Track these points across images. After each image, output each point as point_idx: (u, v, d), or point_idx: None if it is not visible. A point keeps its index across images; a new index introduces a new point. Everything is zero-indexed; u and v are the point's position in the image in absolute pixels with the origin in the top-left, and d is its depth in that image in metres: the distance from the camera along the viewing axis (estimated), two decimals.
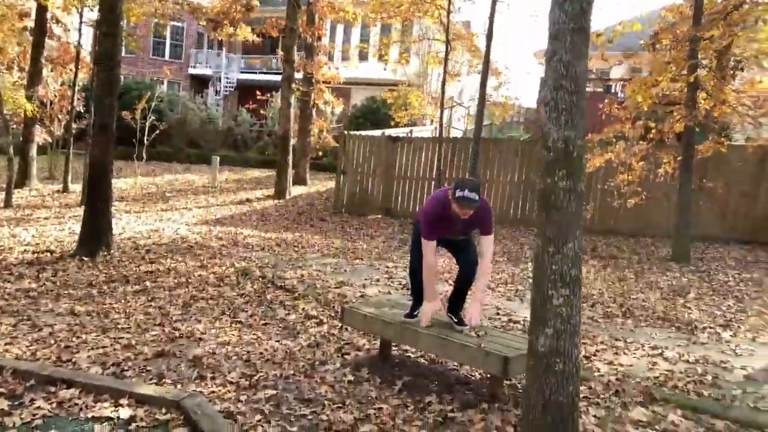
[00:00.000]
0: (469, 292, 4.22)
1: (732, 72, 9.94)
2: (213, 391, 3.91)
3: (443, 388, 4.04)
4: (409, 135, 14.52)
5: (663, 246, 10.73)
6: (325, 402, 3.79)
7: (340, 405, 3.76)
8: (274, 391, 3.93)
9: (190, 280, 6.93)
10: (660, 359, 4.72)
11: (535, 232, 2.51)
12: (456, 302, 4.17)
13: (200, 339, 4.98)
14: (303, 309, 5.97)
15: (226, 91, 28.58)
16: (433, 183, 13.21)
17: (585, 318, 5.97)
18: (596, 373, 4.37)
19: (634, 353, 4.86)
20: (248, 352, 4.70)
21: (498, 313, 5.94)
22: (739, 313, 6.34)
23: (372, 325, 4.37)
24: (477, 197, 3.70)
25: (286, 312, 5.89)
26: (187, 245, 9.17)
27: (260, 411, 3.64)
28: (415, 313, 4.27)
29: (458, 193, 3.72)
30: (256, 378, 4.15)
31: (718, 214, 11.31)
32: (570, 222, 2.41)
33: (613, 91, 24.18)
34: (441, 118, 13.15)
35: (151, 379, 4.06)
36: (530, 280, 7.63)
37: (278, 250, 9.35)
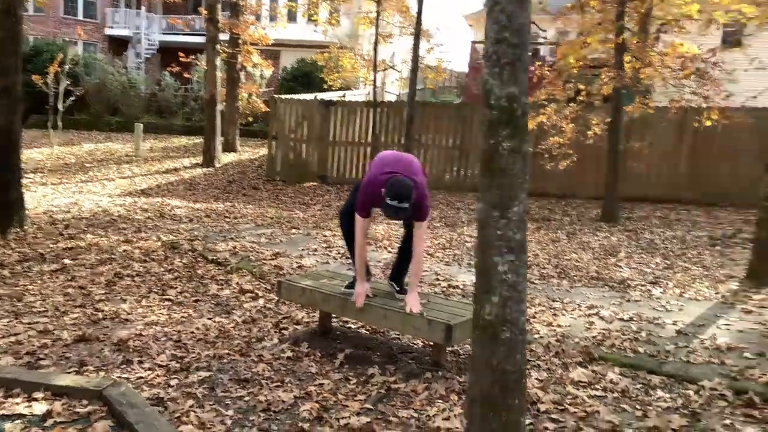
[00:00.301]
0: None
1: (656, 35, 10.16)
2: (140, 377, 3.66)
3: (386, 359, 3.94)
4: (343, 99, 14.18)
5: (592, 207, 11.01)
6: (263, 381, 3.62)
7: (278, 383, 3.60)
8: (208, 373, 3.72)
9: (113, 257, 6.52)
10: (596, 318, 4.80)
11: (478, 197, 2.38)
12: (399, 270, 4.05)
13: (126, 320, 4.68)
14: (237, 283, 5.72)
15: (147, 53, 27.14)
16: (369, 148, 13.00)
17: None
18: (536, 336, 4.38)
19: (572, 314, 4.91)
20: (179, 331, 4.44)
21: (438, 279, 5.89)
22: (666, 270, 6.55)
23: (311, 299, 4.20)
24: (406, 205, 3.54)
25: (219, 287, 5.63)
26: (109, 219, 8.65)
27: (192, 395, 3.42)
28: (353, 283, 4.13)
29: (387, 201, 3.55)
30: (187, 360, 3.92)
31: (644, 174, 11.68)
32: (515, 185, 2.29)
33: (541, 54, 24.56)
34: (374, 80, 12.88)
35: (70, 368, 3.75)
36: (467, 245, 7.68)
37: (208, 221, 8.97)
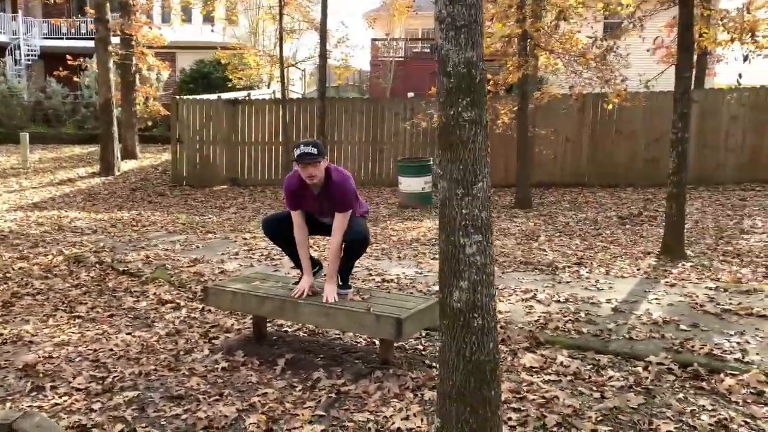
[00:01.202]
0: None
1: (555, 23, 10.47)
2: (56, 404, 3.24)
3: (330, 361, 3.72)
4: (248, 98, 13.70)
5: (504, 194, 11.23)
6: (199, 396, 3.30)
7: (217, 397, 3.29)
8: (135, 393, 3.35)
9: (8, 275, 5.85)
10: (534, 302, 4.80)
11: (440, 175, 2.23)
12: (341, 266, 3.84)
13: (31, 342, 4.17)
14: (154, 294, 5.28)
15: (27, 60, 25.09)
16: (281, 148, 12.62)
17: None
18: None
19: (509, 299, 4.90)
20: (95, 350, 4.00)
21: (370, 274, 5.72)
22: (588, 251, 6.73)
23: (244, 303, 3.90)
24: (314, 150, 3.58)
25: (135, 299, 5.18)
26: None
27: (121, 419, 3.06)
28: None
29: (295, 153, 3.60)
30: (109, 380, 3.52)
31: (550, 160, 12.08)
32: (478, 158, 2.16)
33: None
34: (282, 75, 12.50)
35: None
36: (393, 239, 7.57)
37: (114, 231, 8.33)
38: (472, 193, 2.16)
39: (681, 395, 3.19)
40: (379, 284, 5.39)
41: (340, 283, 3.84)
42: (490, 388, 2.24)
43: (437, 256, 6.29)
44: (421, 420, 2.97)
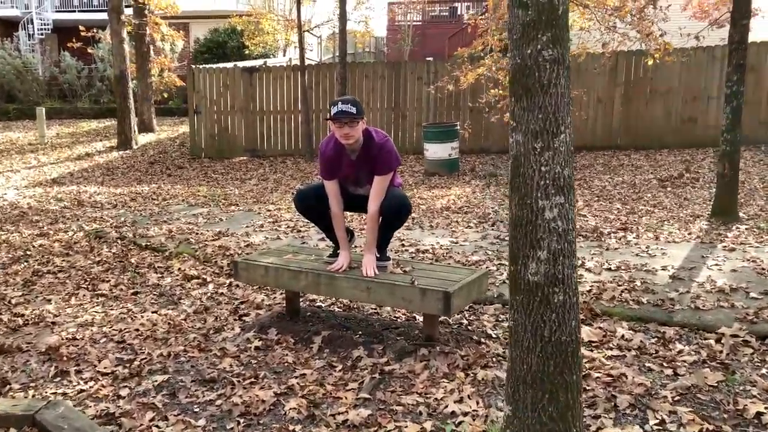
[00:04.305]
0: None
1: None
2: (82, 390, 3.01)
3: (369, 338, 3.45)
4: (265, 66, 13.31)
5: None
6: (234, 379, 3.05)
7: (252, 380, 3.04)
8: (165, 376, 3.11)
9: (29, 252, 5.66)
10: (583, 271, 4.47)
11: (512, 127, 1.89)
12: (379, 237, 3.54)
13: (53, 323, 3.96)
14: (179, 269, 5.04)
15: (40, 34, 24.79)
16: (300, 116, 12.26)
17: (492, 238, 5.64)
18: None
19: None
20: (120, 330, 3.78)
21: (403, 245, 5.42)
22: (631, 215, 6.36)
23: (277, 278, 3.62)
24: (353, 109, 3.25)
25: (159, 275, 4.94)
26: (18, 212, 7.64)
27: (151, 406, 2.82)
28: (338, 251, 3.61)
29: (332, 110, 3.26)
30: (136, 363, 3.29)
31: (582, 121, 11.60)
32: (560, 105, 1.83)
33: (458, 13, 24.28)
34: (300, 40, 12.06)
35: None
36: (422, 207, 7.24)
37: (135, 205, 8.11)
38: (552, 146, 1.83)
39: (764, 370, 2.87)
40: (414, 255, 5.10)
41: (377, 255, 3.54)
42: (572, 372, 1.94)
43: (471, 224, 5.98)
44: (477, 403, 2.70)
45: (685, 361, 2.99)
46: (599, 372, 2.90)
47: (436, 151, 9.89)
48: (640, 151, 11.06)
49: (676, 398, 2.64)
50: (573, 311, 1.92)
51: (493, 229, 5.97)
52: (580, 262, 4.66)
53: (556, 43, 1.78)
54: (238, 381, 3.03)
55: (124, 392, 2.96)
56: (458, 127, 10.05)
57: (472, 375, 2.96)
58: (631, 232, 5.56)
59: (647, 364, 2.97)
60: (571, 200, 1.89)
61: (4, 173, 11.71)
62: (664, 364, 2.97)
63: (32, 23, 24.46)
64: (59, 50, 22.76)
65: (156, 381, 3.06)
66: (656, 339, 3.29)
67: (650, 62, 8.62)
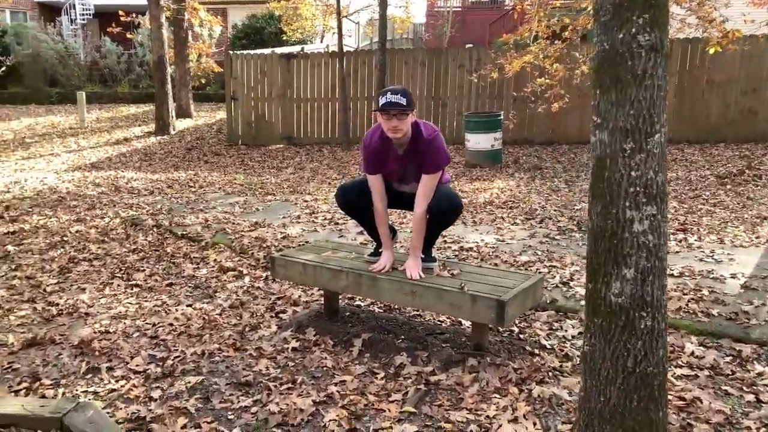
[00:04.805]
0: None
1: None
2: (112, 390, 2.88)
3: (413, 344, 3.24)
4: (302, 52, 13.14)
5: (581, 152, 10.44)
6: (270, 384, 2.88)
7: (290, 385, 2.86)
8: (199, 378, 2.96)
9: (65, 239, 5.60)
10: None
11: (595, 124, 1.64)
12: (426, 237, 3.31)
13: (87, 314, 3.85)
14: (215, 260, 4.91)
15: (82, 19, 25.10)
16: (337, 104, 12.06)
17: (541, 236, 5.36)
18: (582, 303, 3.73)
19: None
20: (154, 324, 3.65)
21: (445, 242, 5.19)
22: (689, 215, 5.98)
23: (316, 277, 3.43)
24: (404, 100, 3.03)
25: (195, 266, 4.82)
26: (57, 197, 7.63)
27: (183, 411, 2.67)
28: (380, 250, 3.41)
29: (380, 101, 3.04)
30: (170, 361, 3.14)
31: None
32: (656, 99, 1.56)
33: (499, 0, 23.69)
34: (339, 25, 11.83)
35: (19, 384, 2.94)
36: (465, 201, 6.98)
37: (171, 192, 8.03)
38: (645, 148, 1.57)
39: None
40: (457, 253, 4.86)
41: (422, 255, 3.32)
42: (658, 408, 1.69)
43: (517, 221, 5.69)
44: (534, 424, 2.47)
45: (767, 386, 2.70)
46: (670, 394, 2.63)
47: (478, 141, 9.58)
48: (693, 145, 10.54)
49: (762, 430, 2.37)
50: (661, 339, 1.67)
51: (541, 227, 5.68)
52: None
53: (654, 26, 1.52)
54: (275, 386, 2.85)
55: (155, 394, 2.82)
56: (501, 117, 9.71)
57: (526, 391, 2.73)
58: (692, 234, 5.21)
59: (723, 387, 2.69)
60: (663, 211, 1.63)
61: (45, 157, 11.83)
62: (744, 388, 2.68)
63: (74, 8, 24.75)
64: (100, 35, 23.00)
65: (189, 383, 2.90)
66: (731, 357, 2.99)
67: (712, 51, 8.13)
